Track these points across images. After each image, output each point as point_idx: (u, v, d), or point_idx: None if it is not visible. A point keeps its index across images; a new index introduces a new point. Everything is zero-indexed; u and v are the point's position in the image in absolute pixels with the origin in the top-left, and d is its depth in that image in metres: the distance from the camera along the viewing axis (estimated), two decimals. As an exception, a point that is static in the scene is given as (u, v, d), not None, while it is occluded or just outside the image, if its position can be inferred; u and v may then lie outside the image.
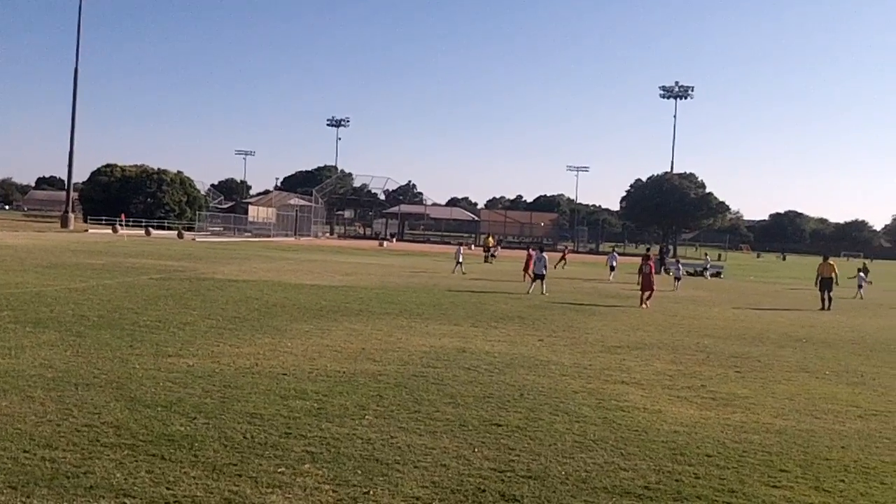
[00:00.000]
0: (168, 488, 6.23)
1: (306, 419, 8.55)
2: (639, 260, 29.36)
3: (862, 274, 38.28)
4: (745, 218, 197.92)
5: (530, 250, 35.68)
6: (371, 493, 6.42)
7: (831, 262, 31.44)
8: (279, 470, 6.84)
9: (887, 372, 14.66)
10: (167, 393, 9.39)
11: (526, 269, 33.49)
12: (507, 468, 7.27)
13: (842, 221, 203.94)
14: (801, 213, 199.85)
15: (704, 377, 12.88)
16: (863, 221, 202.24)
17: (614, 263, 42.59)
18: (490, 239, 57.86)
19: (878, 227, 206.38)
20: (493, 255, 54.23)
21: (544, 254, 29.42)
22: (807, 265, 64.45)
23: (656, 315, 22.81)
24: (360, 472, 6.91)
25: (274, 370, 11.24)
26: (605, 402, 10.46)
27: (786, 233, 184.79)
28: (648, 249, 26.07)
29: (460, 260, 39.02)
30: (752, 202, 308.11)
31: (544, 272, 28.50)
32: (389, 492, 6.48)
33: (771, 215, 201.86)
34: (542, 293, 27.31)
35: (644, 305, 25.36)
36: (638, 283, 27.15)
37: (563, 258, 52.78)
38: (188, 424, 8.06)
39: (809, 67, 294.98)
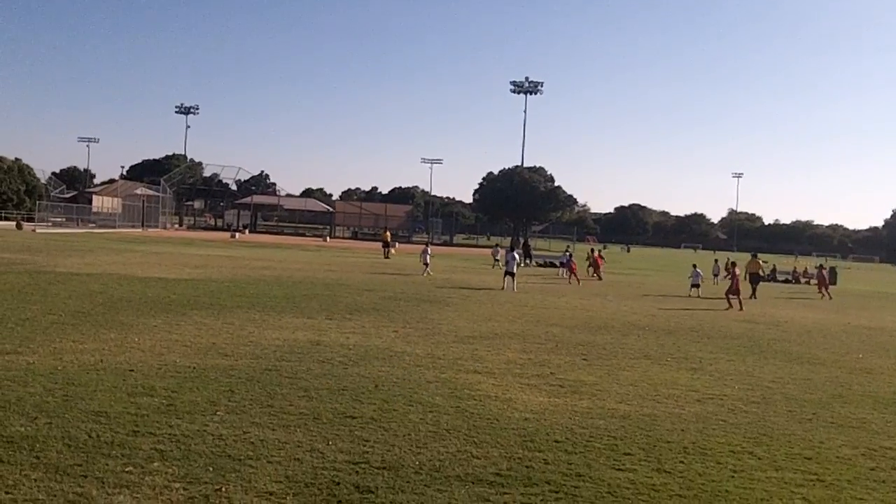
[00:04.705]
0: (7, 492, 5.98)
1: (155, 416, 8.35)
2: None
3: (699, 270, 37.83)
4: (592, 211, 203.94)
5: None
6: (223, 489, 6.35)
7: (758, 260, 34.72)
8: (127, 469, 6.66)
9: (722, 357, 15.50)
10: (5, 392, 8.99)
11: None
12: (361, 460, 7.32)
13: (682, 214, 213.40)
14: (643, 206, 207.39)
15: (553, 365, 13.28)
16: (701, 215, 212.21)
17: (699, 282, 35.08)
18: (387, 233, 56.99)
19: (715, 220, 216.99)
20: (389, 250, 52.99)
21: (515, 252, 31.41)
22: (651, 257, 66.96)
23: (507, 306, 23.30)
24: (211, 468, 6.81)
25: (120, 366, 10.90)
26: (458, 391, 10.66)
27: (629, 225, 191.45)
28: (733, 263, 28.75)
29: (427, 261, 36.38)
30: (598, 195, 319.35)
31: (514, 270, 30.38)
32: (242, 488, 6.42)
33: (616, 208, 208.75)
34: (513, 289, 29.04)
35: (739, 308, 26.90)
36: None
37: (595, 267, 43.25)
38: (29, 425, 7.75)
39: (650, 68, 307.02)
